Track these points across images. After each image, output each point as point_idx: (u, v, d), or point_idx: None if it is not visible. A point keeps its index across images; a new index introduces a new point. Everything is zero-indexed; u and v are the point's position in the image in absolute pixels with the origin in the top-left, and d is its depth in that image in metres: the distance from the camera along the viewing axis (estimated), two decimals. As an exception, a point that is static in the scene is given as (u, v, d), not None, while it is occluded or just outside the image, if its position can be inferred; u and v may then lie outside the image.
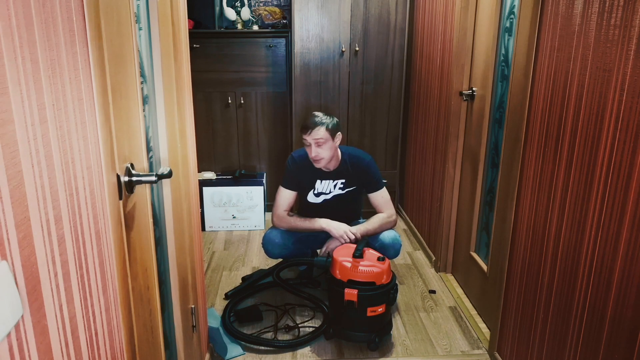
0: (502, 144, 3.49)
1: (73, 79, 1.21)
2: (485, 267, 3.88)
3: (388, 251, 3.96)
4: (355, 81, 5.55)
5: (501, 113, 3.62)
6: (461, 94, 4.17)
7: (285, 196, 4.16)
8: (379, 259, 3.52)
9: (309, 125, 3.89)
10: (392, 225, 4.10)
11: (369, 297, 3.41)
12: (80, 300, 1.22)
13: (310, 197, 4.19)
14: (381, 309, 3.47)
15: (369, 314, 3.43)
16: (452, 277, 4.61)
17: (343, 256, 3.53)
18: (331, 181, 4.13)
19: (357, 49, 5.41)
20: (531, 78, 2.82)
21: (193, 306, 2.90)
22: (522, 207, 2.97)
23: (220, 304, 4.13)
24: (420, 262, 4.93)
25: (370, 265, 3.45)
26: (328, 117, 3.94)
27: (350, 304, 3.40)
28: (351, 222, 4.17)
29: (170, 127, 2.40)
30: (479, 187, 4.03)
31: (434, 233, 4.86)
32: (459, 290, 4.36)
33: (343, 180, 4.11)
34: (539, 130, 2.74)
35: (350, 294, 3.39)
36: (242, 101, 5.85)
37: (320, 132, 3.86)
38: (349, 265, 3.45)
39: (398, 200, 6.08)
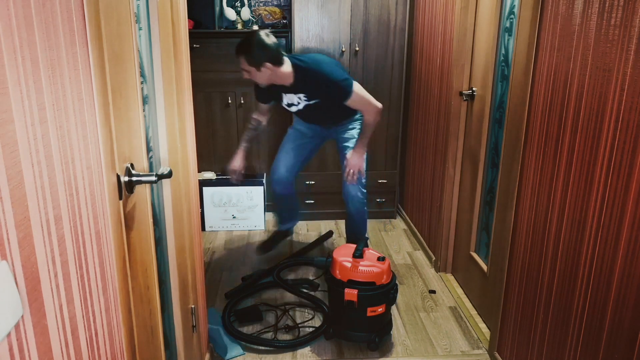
0: (502, 144, 3.49)
1: (73, 79, 1.21)
2: (485, 267, 3.88)
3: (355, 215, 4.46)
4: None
5: (501, 113, 3.62)
6: (461, 94, 4.17)
7: (262, 107, 4.48)
8: (379, 259, 3.51)
9: (236, 48, 3.85)
10: (380, 116, 4.16)
11: (369, 297, 3.41)
12: (80, 301, 1.22)
13: (286, 106, 4.30)
14: (381, 309, 3.47)
15: (369, 314, 3.43)
16: (452, 277, 4.61)
17: (343, 256, 3.52)
18: (293, 94, 4.13)
19: (357, 49, 5.41)
20: (531, 78, 2.82)
21: (193, 306, 2.90)
22: (522, 207, 2.97)
23: (220, 304, 4.13)
24: (420, 262, 4.93)
25: (370, 265, 3.45)
26: (254, 46, 3.76)
27: (350, 304, 3.40)
28: (346, 120, 4.38)
29: (170, 127, 2.40)
30: (479, 187, 4.03)
31: (434, 233, 4.87)
32: (459, 290, 4.36)
33: (304, 94, 4.09)
34: (539, 130, 2.75)
35: (350, 294, 3.39)
36: (242, 101, 5.84)
37: (241, 61, 3.83)
38: (349, 265, 3.45)
39: (398, 200, 6.08)
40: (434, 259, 4.80)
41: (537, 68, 2.77)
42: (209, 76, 5.73)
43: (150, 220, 1.95)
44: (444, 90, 4.46)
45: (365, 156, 4.28)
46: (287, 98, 4.15)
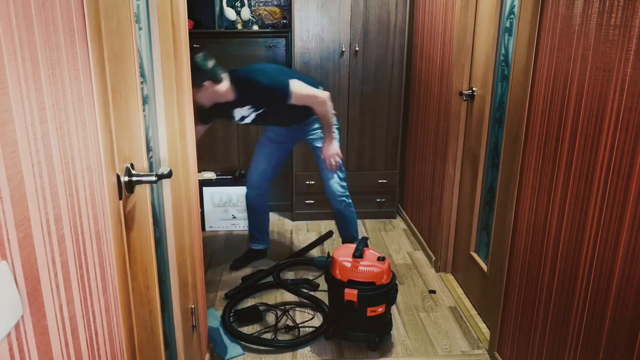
0: (502, 144, 3.49)
1: (73, 79, 1.21)
2: (485, 267, 3.88)
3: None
4: (355, 81, 5.54)
5: (501, 113, 3.62)
6: (461, 94, 4.17)
7: (199, 132, 4.25)
8: (379, 258, 3.51)
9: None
10: (328, 105, 4.13)
11: (369, 297, 3.41)
12: (80, 300, 1.22)
13: (239, 121, 4.30)
14: (381, 309, 3.47)
15: (369, 314, 3.43)
16: (452, 277, 4.61)
17: (343, 256, 3.52)
18: (240, 108, 4.14)
19: (357, 49, 5.41)
20: (531, 78, 2.82)
21: (193, 306, 2.90)
22: (522, 207, 2.97)
23: (220, 304, 4.13)
24: (420, 262, 4.93)
25: (370, 265, 3.45)
26: (195, 66, 3.72)
27: (350, 304, 3.40)
28: (307, 119, 4.41)
29: (170, 127, 2.40)
30: (479, 187, 4.03)
31: (434, 233, 4.87)
32: (459, 290, 4.36)
33: (249, 105, 4.11)
34: (539, 130, 2.75)
35: (350, 294, 3.39)
36: (242, 101, 5.85)
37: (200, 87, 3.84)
38: (349, 265, 3.45)
39: (398, 200, 6.08)
40: (434, 259, 4.80)
41: (537, 68, 2.77)
42: (209, 76, 5.73)
43: (150, 220, 1.95)
44: (444, 90, 4.46)
45: (337, 142, 4.29)
46: (238, 113, 4.17)
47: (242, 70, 4.09)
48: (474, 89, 4.06)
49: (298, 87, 4.00)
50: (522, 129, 2.91)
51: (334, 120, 4.19)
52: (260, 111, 4.11)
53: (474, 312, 4.03)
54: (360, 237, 4.20)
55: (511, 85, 3.18)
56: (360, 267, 3.43)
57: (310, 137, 4.47)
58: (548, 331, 2.70)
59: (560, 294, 2.56)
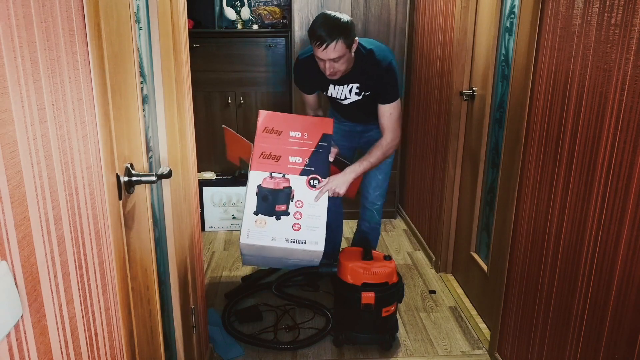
0: (502, 144, 3.49)
1: (72, 79, 1.21)
2: (485, 267, 3.88)
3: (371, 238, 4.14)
4: (355, 81, 5.53)
5: (501, 113, 3.62)
6: (461, 94, 4.17)
7: (308, 100, 3.91)
8: (385, 257, 3.53)
9: (322, 37, 3.19)
10: (394, 148, 3.67)
11: (385, 297, 3.42)
12: (80, 301, 1.23)
13: (341, 101, 3.82)
14: (393, 308, 3.50)
15: (383, 314, 3.45)
16: (453, 277, 4.61)
17: (352, 260, 3.51)
18: (345, 86, 3.65)
19: (357, 48, 5.40)
20: (531, 78, 2.82)
21: (193, 306, 2.90)
22: (522, 207, 2.97)
23: (220, 304, 4.13)
24: (421, 262, 4.93)
25: (381, 265, 3.45)
26: (343, 23, 3.22)
27: (368, 307, 3.40)
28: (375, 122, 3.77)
29: (170, 127, 2.40)
30: (479, 187, 4.03)
31: (434, 233, 4.87)
32: (459, 291, 4.36)
33: (357, 85, 3.61)
34: (539, 130, 2.75)
35: (368, 297, 3.39)
36: (242, 101, 5.85)
37: (338, 48, 3.21)
38: (361, 268, 3.44)
39: (398, 200, 6.08)
40: (434, 259, 4.80)
41: (537, 68, 2.77)
42: (209, 76, 5.74)
43: (150, 220, 1.95)
44: (444, 90, 4.46)
45: (348, 180, 3.48)
46: (335, 91, 3.72)
47: (363, 41, 3.59)
48: (474, 88, 4.06)
49: (397, 106, 3.57)
50: (523, 129, 2.91)
51: (376, 161, 3.64)
52: (362, 96, 3.65)
53: (474, 312, 4.03)
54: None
55: (511, 85, 3.18)
56: (373, 269, 3.43)
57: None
58: (548, 331, 2.70)
59: (561, 294, 2.56)
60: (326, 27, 3.18)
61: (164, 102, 2.35)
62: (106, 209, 1.43)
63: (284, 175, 3.38)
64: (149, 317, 1.99)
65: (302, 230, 3.29)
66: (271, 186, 3.36)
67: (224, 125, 3.85)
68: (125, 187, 1.65)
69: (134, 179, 1.70)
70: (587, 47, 2.30)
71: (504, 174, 3.39)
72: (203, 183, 5.51)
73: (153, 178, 1.75)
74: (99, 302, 1.35)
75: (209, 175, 5.70)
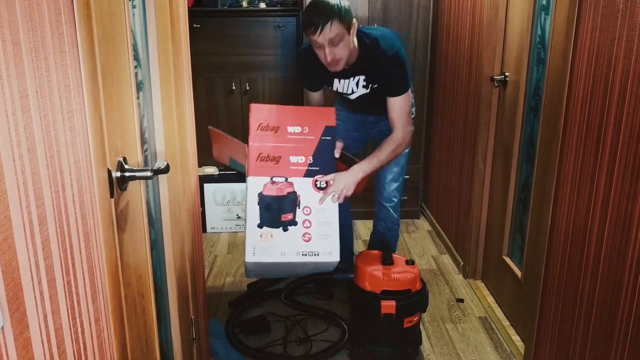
0: (537, 136, 3.48)
1: (59, 63, 1.21)
2: (519, 273, 3.87)
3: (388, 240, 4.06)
4: (373, 65, 5.52)
5: (537, 101, 3.61)
6: (492, 79, 4.16)
7: (313, 99, 3.89)
8: (407, 262, 3.50)
9: (315, 21, 3.21)
10: (407, 145, 3.70)
11: (407, 306, 3.39)
12: (67, 310, 1.22)
13: (348, 95, 3.85)
14: (417, 318, 3.48)
15: (405, 325, 3.42)
16: (482, 284, 4.60)
17: (370, 265, 3.48)
18: (351, 79, 3.68)
19: (375, 29, 5.38)
20: (570, 62, 2.80)
21: (193, 316, 2.90)
22: (560, 206, 2.95)
23: (223, 314, 4.14)
24: (447, 268, 4.93)
25: (403, 271, 3.42)
26: (334, 4, 3.24)
27: (388, 317, 3.36)
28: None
29: (168, 116, 2.40)
30: (512, 184, 4.02)
31: (461, 235, 4.86)
32: (490, 299, 4.35)
33: (364, 77, 3.65)
34: (579, 120, 2.73)
35: (388, 306, 3.35)
36: (248, 87, 5.85)
37: (335, 28, 3.21)
38: (380, 274, 3.41)
39: (422, 198, 6.07)
40: (461, 263, 4.79)
41: (576, 51, 2.76)
42: (211, 59, 5.74)
43: (145, 220, 1.95)
44: (473, 75, 4.45)
45: (356, 179, 3.43)
46: (340, 86, 3.77)
47: (368, 30, 3.65)
48: (506, 74, 4.05)
49: (407, 99, 3.59)
50: (561, 119, 2.89)
51: (386, 159, 3.64)
52: (369, 89, 3.69)
53: (506, 322, 4.02)
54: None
55: (548, 70, 3.16)
56: (393, 275, 3.39)
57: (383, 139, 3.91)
58: (589, 344, 2.69)
59: (603, 303, 2.55)
60: (318, 11, 3.22)
61: (160, 88, 2.35)
62: (96, 207, 1.43)
63: (286, 179, 3.34)
64: (144, 329, 1.99)
65: (313, 241, 3.26)
66: (274, 193, 3.32)
67: (210, 127, 3.81)
68: (118, 184, 1.64)
69: (127, 174, 1.70)
70: (633, 28, 2.28)
71: (539, 169, 3.37)
72: (204, 179, 5.51)
73: (148, 173, 1.76)
74: (88, 311, 1.35)
75: (211, 170, 5.70)
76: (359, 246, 5.28)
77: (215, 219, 5.66)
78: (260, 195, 3.30)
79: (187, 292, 2.76)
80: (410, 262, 3.49)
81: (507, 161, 4.05)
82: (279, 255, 3.21)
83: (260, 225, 3.26)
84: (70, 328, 1.24)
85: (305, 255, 3.22)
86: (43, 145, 1.11)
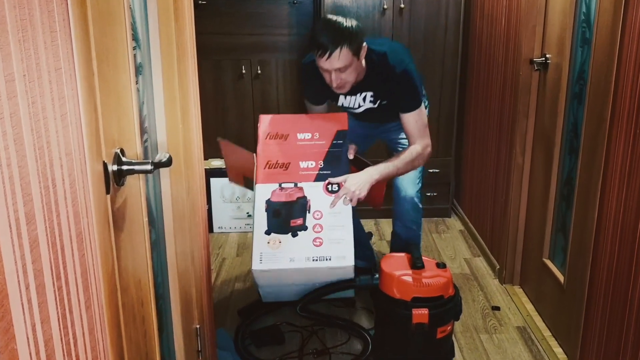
0: (582, 125, 3.46)
1: (49, 44, 1.21)
2: (561, 278, 3.85)
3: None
4: (399, 46, 5.51)
5: (581, 86, 3.59)
6: (532, 62, 4.14)
7: (315, 111, 4.05)
8: (438, 265, 3.48)
9: (324, 43, 3.32)
10: (425, 160, 3.85)
11: (440, 314, 3.36)
12: (58, 319, 1.22)
13: (354, 110, 3.99)
14: (450, 327, 3.46)
15: (438, 335, 3.40)
16: (520, 289, 4.60)
17: (398, 269, 3.44)
18: (358, 95, 3.84)
19: (402, 5, 5.38)
20: (619, 42, 2.79)
21: (198, 326, 2.91)
22: (607, 203, 2.94)
23: (232, 324, 4.14)
24: (481, 272, 4.92)
25: (434, 275, 3.40)
26: (348, 27, 3.37)
27: (420, 327, 3.33)
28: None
29: (170, 103, 2.40)
30: (554, 179, 4.00)
31: (497, 235, 4.85)
32: (529, 307, 4.34)
33: (371, 93, 3.81)
34: (628, 106, 2.71)
35: (420, 314, 3.32)
36: (260, 71, 5.86)
37: (343, 56, 3.34)
38: (410, 279, 3.37)
39: (453, 194, 6.06)
40: (497, 267, 4.78)
41: (625, 30, 2.74)
42: (219, 40, 5.75)
43: (145, 219, 1.96)
44: (511, 57, 4.44)
45: (370, 180, 3.53)
46: (347, 101, 3.92)
47: (375, 43, 3.76)
48: (547, 56, 4.03)
49: (422, 113, 3.76)
50: (608, 106, 2.88)
51: (407, 169, 3.78)
52: (377, 104, 3.83)
53: (547, 333, 4.01)
54: (368, 232, 4.19)
55: (594, 51, 3.15)
56: (425, 280, 3.36)
57: (395, 137, 4.21)
58: (641, 359, 2.67)
59: (657, 313, 2.54)
60: (328, 33, 3.33)
61: (162, 72, 2.35)
62: (90, 205, 1.43)
63: (295, 185, 3.44)
64: (143, 339, 1.99)
65: (324, 245, 3.34)
66: (282, 199, 3.43)
67: (219, 139, 3.90)
68: (114, 178, 1.64)
69: (125, 168, 1.69)
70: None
71: (584, 161, 3.36)
72: (211, 173, 5.52)
73: (149, 167, 1.75)
74: (81, 320, 1.35)
75: (218, 163, 5.69)
76: (383, 247, 5.28)
77: (223, 218, 5.67)
78: (268, 202, 3.43)
79: (191, 298, 2.77)
80: (441, 265, 3.47)
81: (548, 153, 4.04)
82: (288, 262, 3.30)
83: (267, 232, 3.37)
84: (61, 339, 1.24)
85: (316, 260, 3.29)
86: (31, 136, 1.11)
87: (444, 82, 5.61)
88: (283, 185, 3.47)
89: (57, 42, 1.25)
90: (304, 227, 3.40)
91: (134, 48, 2.14)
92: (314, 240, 3.34)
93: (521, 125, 4.32)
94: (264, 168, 3.51)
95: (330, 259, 3.29)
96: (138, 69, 2.21)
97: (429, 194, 5.87)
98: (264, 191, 3.46)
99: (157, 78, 2.35)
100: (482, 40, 5.14)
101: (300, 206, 3.42)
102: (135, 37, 2.17)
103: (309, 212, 3.41)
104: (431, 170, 5.79)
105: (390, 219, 4.94)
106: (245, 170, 3.88)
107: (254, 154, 3.57)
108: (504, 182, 4.64)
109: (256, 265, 3.28)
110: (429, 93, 5.61)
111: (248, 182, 4.05)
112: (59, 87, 1.25)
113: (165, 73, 2.36)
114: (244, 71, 5.85)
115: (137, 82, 2.11)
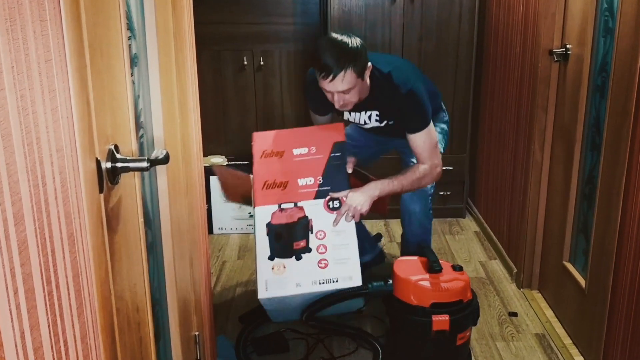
0: (605, 119, 3.46)
1: (38, 34, 1.21)
2: (582, 282, 3.85)
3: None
4: (411, 37, 5.51)
5: (604, 78, 3.59)
6: (551, 53, 4.14)
7: (320, 121, 4.12)
8: (454, 268, 3.48)
9: (328, 65, 3.34)
10: (433, 180, 3.94)
11: (460, 320, 3.36)
12: (48, 326, 1.22)
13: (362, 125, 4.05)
14: (469, 333, 3.47)
15: (458, 342, 3.40)
16: (539, 294, 4.60)
17: (413, 274, 3.43)
18: (363, 113, 3.90)
19: (413, -7, 5.39)
20: (645, 31, 2.79)
21: (197, 333, 2.91)
22: (631, 202, 2.94)
23: (233, 331, 4.15)
24: (497, 276, 4.92)
25: (452, 279, 3.40)
26: (352, 48, 3.41)
27: (441, 334, 3.33)
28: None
29: (167, 96, 2.40)
30: (575, 177, 4.00)
31: (515, 237, 4.85)
32: (548, 313, 4.35)
33: (377, 112, 3.86)
34: (655, 100, 2.71)
35: (441, 321, 3.31)
36: (262, 62, 5.86)
37: (347, 79, 3.38)
38: (428, 284, 3.36)
39: (468, 193, 6.05)
40: (515, 271, 4.78)
41: (653, 17, 2.74)
42: (219, 29, 5.75)
43: (141, 219, 1.96)
44: (529, 48, 4.43)
45: (372, 196, 3.61)
46: (352, 117, 3.98)
47: (381, 60, 3.79)
48: (568, 46, 4.03)
49: (431, 133, 3.78)
50: (632, 99, 2.88)
51: (412, 187, 3.85)
52: (383, 123, 3.88)
53: (567, 340, 4.01)
54: (377, 233, 4.20)
55: (617, 42, 3.14)
56: (443, 284, 3.36)
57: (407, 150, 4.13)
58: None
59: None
60: (332, 55, 3.35)
61: (158, 64, 2.35)
62: (83, 205, 1.43)
63: (295, 204, 3.48)
64: (139, 347, 1.99)
65: (330, 267, 3.39)
66: (283, 220, 3.46)
67: (213, 165, 4.00)
68: (108, 176, 1.64)
69: (119, 165, 1.69)
70: None
71: (607, 158, 3.36)
72: (211, 171, 5.51)
73: (144, 164, 1.76)
74: (72, 327, 1.35)
75: (219, 160, 5.71)
76: (393, 249, 5.28)
77: (224, 218, 5.67)
78: (269, 225, 3.47)
79: (190, 304, 2.77)
80: (457, 268, 3.47)
81: (569, 149, 4.04)
82: (294, 287, 3.36)
83: (271, 258, 3.42)
84: (52, 347, 1.24)
85: (323, 283, 3.36)
86: (20, 131, 1.11)
87: (457, 74, 5.60)
88: (283, 206, 3.51)
89: (48, 31, 1.25)
90: (307, 250, 3.45)
91: (129, 38, 2.14)
92: (319, 262, 3.39)
93: (540, 120, 4.31)
94: (262, 189, 3.56)
95: (337, 281, 3.34)
96: (133, 60, 2.21)
97: (441, 193, 5.86)
98: (264, 213, 3.51)
99: (154, 70, 2.35)
100: (499, 30, 5.14)
101: (302, 227, 3.46)
102: (130, 27, 2.17)
103: (311, 233, 3.45)
104: (444, 168, 5.76)
105: (400, 219, 4.95)
106: (243, 191, 3.96)
107: (251, 175, 3.61)
108: (522, 180, 4.63)
109: (262, 294, 3.33)
110: (442, 87, 5.63)
111: (247, 200, 4.09)
112: (49, 80, 1.25)
113: (162, 65, 2.36)
114: (245, 62, 5.85)
115: (132, 74, 2.11)
